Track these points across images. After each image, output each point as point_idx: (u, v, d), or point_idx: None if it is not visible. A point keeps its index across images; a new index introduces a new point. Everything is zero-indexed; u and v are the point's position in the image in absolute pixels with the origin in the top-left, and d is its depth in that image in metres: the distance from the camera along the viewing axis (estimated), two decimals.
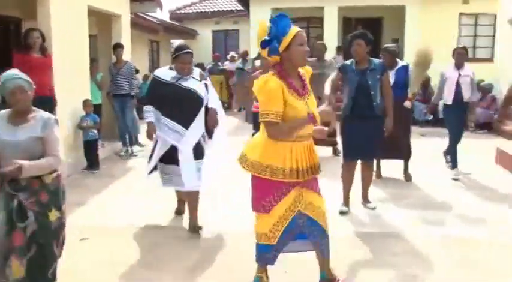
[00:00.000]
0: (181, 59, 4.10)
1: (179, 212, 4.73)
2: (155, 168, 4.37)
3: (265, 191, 2.90)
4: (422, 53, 5.82)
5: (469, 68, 6.19)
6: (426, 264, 3.64)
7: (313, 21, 15.22)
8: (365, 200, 4.99)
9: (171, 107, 4.11)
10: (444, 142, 6.84)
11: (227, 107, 14.68)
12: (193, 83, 4.17)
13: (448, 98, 6.16)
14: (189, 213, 4.34)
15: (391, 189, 5.67)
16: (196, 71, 4.28)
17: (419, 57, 5.80)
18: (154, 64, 15.35)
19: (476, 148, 8.21)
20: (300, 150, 2.87)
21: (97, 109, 7.30)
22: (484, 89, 10.48)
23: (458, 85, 6.03)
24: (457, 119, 6.18)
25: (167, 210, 4.74)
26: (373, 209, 4.90)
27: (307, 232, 2.97)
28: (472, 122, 9.95)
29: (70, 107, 6.55)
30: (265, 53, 2.80)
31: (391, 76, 5.59)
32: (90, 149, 6.69)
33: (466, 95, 6.07)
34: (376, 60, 4.71)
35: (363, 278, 3.42)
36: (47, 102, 5.91)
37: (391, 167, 6.18)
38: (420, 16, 12.91)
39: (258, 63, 9.48)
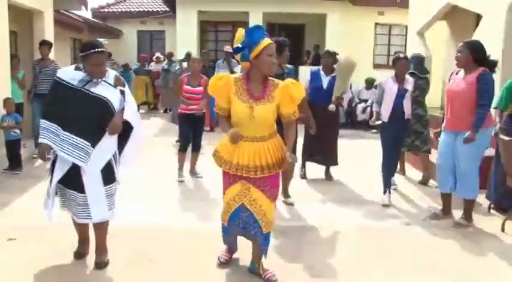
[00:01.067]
0: (92, 59, 3.33)
1: (81, 254, 3.70)
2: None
3: (223, 177, 3.39)
4: (344, 64, 6.10)
5: (411, 81, 5.48)
6: (340, 252, 4.01)
7: (238, 26, 15.09)
8: (285, 195, 5.35)
9: (75, 118, 3.33)
10: (361, 143, 7.38)
11: (153, 108, 14.62)
12: (105, 89, 3.41)
13: (385, 114, 5.37)
14: (96, 247, 3.64)
15: (312, 187, 6.07)
16: (111, 74, 3.52)
17: (342, 67, 6.09)
18: (76, 63, 14.89)
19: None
20: (249, 149, 3.17)
21: (18, 108, 7.05)
22: None
23: (398, 100, 5.28)
24: (394, 138, 5.35)
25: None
26: (292, 204, 5.26)
27: (248, 227, 3.31)
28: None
29: None
30: (238, 57, 3.17)
31: (326, 82, 6.11)
32: (12, 149, 6.48)
33: (407, 111, 5.38)
34: (289, 66, 5.28)
35: (282, 265, 3.70)
36: None
37: (313, 167, 6.58)
38: (340, 24, 13.64)
39: (185, 65, 9.58)
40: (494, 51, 7.28)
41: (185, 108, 6.08)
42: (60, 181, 3.42)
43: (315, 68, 6.40)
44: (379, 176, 5.62)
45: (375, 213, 5.10)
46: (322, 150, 6.31)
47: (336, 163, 6.46)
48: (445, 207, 4.89)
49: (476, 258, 3.94)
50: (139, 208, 4.98)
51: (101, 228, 3.59)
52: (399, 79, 5.39)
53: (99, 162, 3.40)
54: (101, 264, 3.56)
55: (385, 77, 5.60)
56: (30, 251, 3.84)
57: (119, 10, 17.76)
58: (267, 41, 3.09)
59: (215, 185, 5.32)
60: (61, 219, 4.35)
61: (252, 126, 3.15)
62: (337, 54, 6.34)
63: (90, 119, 3.35)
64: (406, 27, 12.11)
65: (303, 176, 6.46)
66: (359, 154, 7.99)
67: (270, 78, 3.22)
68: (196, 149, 6.41)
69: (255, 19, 13.82)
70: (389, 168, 5.49)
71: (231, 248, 3.65)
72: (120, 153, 3.62)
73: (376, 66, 14.59)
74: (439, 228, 4.61)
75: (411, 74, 6.18)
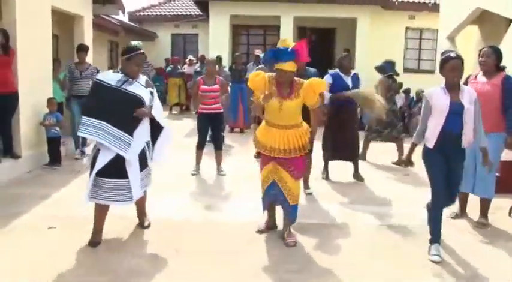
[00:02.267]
0: (136, 60, 3.93)
1: (96, 242, 4.02)
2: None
3: (262, 158, 4.31)
4: (364, 98, 6.21)
5: (469, 91, 3.98)
6: (359, 249, 4.17)
7: (269, 29, 15.77)
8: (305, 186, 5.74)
9: (115, 113, 3.82)
10: (388, 146, 7.48)
11: (185, 109, 14.99)
12: (139, 88, 3.95)
13: (431, 137, 3.92)
14: (139, 214, 4.47)
15: (336, 187, 6.23)
16: (143, 78, 4.09)
17: (363, 101, 6.22)
18: (113, 65, 15.44)
19: (417, 152, 8.88)
20: (277, 134, 4.03)
21: (59, 108, 7.48)
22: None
23: (450, 119, 3.82)
24: (445, 172, 3.94)
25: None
26: (310, 193, 5.67)
27: (278, 198, 4.20)
28: (414, 129, 10.78)
29: (33, 105, 6.73)
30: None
31: (349, 81, 6.31)
32: (53, 146, 6.89)
33: (467, 137, 3.90)
34: (311, 69, 5.64)
35: (307, 260, 3.90)
36: (10, 98, 6.13)
37: (335, 169, 6.73)
38: (370, 28, 13.71)
39: (216, 68, 9.79)
40: None
41: (204, 108, 6.48)
42: (100, 173, 3.83)
43: (332, 70, 6.64)
44: (407, 179, 5.68)
45: (397, 212, 5.22)
46: (347, 145, 6.41)
47: (357, 159, 6.64)
48: (462, 207, 5.00)
49: (494, 257, 4.03)
50: (160, 202, 5.24)
51: (142, 198, 4.27)
52: (451, 89, 3.88)
53: (137, 149, 3.94)
54: (143, 223, 4.44)
55: (429, 86, 4.45)
56: (69, 239, 4.15)
57: (154, 14, 18.22)
58: (280, 65, 3.93)
59: (234, 183, 6.16)
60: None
61: (280, 117, 4.00)
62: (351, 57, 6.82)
63: (127, 113, 3.84)
64: (437, 31, 12.10)
65: (326, 177, 6.61)
66: (386, 156, 8.06)
67: (296, 78, 4.03)
68: (218, 146, 6.68)
69: (286, 23, 14.04)
70: (437, 213, 4.03)
71: (269, 220, 4.45)
72: (153, 147, 4.18)
73: (407, 70, 14.55)
74: (458, 228, 4.72)
75: (389, 76, 7.46)
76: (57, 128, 6.92)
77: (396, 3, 14.32)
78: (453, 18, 10.49)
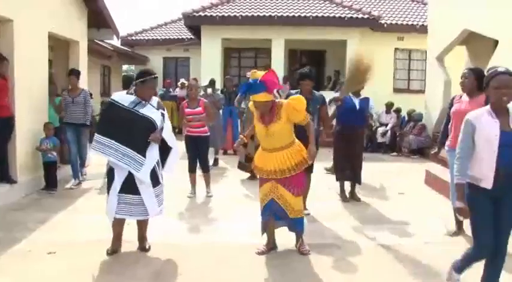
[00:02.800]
0: (150, 83, 4.16)
1: (114, 250, 4.33)
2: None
3: (259, 179, 4.46)
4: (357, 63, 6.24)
5: None
6: (359, 269, 4.20)
7: (261, 52, 15.98)
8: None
9: (127, 133, 4.04)
10: (381, 166, 7.56)
11: (178, 132, 15.03)
12: (151, 110, 4.16)
13: (484, 176, 3.12)
14: (139, 237, 4.47)
15: (338, 207, 6.27)
16: (154, 99, 4.28)
17: (355, 67, 6.21)
18: (105, 89, 15.51)
19: (409, 171, 9.03)
20: (271, 158, 4.21)
21: (56, 132, 7.46)
22: (416, 118, 11.49)
23: (505, 152, 3.06)
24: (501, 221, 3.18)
25: (130, 224, 5.03)
26: (308, 214, 5.57)
27: (280, 215, 4.35)
28: (406, 148, 10.92)
29: (30, 129, 6.74)
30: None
31: (358, 103, 6.44)
32: (49, 171, 6.87)
33: None
34: (317, 93, 5.73)
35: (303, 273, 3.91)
36: (5, 122, 6.14)
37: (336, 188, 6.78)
38: (360, 50, 13.90)
39: (210, 91, 9.88)
40: None
41: (189, 130, 6.54)
42: (120, 190, 4.10)
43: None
44: (402, 198, 5.74)
45: (395, 232, 5.26)
46: (352, 166, 6.50)
47: (360, 182, 6.65)
48: (459, 224, 5.07)
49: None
50: (158, 224, 5.24)
51: (145, 222, 4.40)
52: (500, 113, 3.14)
53: (148, 169, 4.12)
54: (144, 248, 4.41)
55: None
56: (69, 264, 4.13)
57: (146, 38, 18.41)
58: (254, 97, 4.11)
59: (222, 204, 6.14)
60: (98, 235, 4.68)
61: (269, 141, 4.20)
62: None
63: (139, 134, 4.07)
64: (426, 52, 12.33)
65: (343, 199, 6.56)
66: (380, 176, 8.14)
67: (277, 101, 4.24)
68: (205, 169, 6.70)
69: (278, 46, 14.25)
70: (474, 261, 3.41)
71: (269, 241, 4.47)
72: (163, 164, 4.40)
73: (396, 90, 14.81)
74: (457, 246, 4.75)
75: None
76: (54, 153, 6.92)
77: (385, 25, 14.62)
78: (441, 39, 10.72)
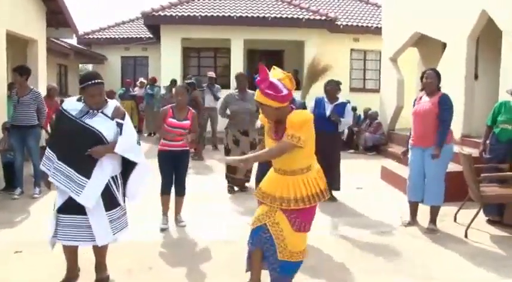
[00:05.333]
0: (90, 90, 3.42)
1: (71, 279, 3.68)
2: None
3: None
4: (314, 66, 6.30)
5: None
6: (318, 256, 4.45)
7: (220, 52, 16.08)
8: None
9: (70, 149, 3.41)
10: (351, 162, 7.82)
11: (137, 131, 14.94)
12: (101, 121, 3.46)
13: None
14: (96, 266, 3.75)
15: None
16: (111, 106, 3.56)
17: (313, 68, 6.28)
18: (62, 88, 15.21)
19: (366, 167, 9.42)
20: (278, 180, 3.21)
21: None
22: (372, 116, 11.93)
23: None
24: None
25: None
26: None
27: (265, 248, 3.21)
28: (362, 145, 11.32)
29: None
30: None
31: (329, 109, 6.29)
32: (8, 171, 6.77)
33: None
34: (297, 100, 5.79)
35: None
36: None
37: None
38: (317, 50, 14.27)
39: (174, 90, 9.87)
40: (457, 76, 8.00)
41: (166, 144, 5.29)
42: (60, 209, 3.45)
43: (320, 95, 6.60)
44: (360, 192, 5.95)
45: (354, 223, 5.55)
46: (326, 174, 6.37)
47: (338, 187, 6.55)
48: (413, 215, 5.42)
49: (445, 259, 4.41)
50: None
51: (103, 248, 3.65)
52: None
53: (95, 193, 3.41)
54: (102, 280, 3.70)
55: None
56: (36, 263, 4.15)
57: (104, 37, 18.15)
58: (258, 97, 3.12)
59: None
60: None
61: (279, 160, 3.17)
62: (341, 83, 6.66)
63: (82, 150, 3.37)
64: (380, 52, 12.82)
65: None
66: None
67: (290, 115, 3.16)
68: (180, 191, 5.44)
69: (237, 46, 14.41)
70: None
71: (252, 277, 3.37)
72: (124, 185, 3.68)
73: (352, 89, 15.26)
74: (411, 235, 5.11)
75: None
76: (12, 153, 6.79)
77: (341, 26, 15.04)
78: (394, 41, 11.21)
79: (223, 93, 9.47)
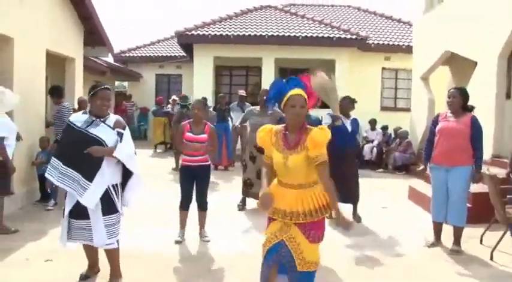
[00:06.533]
0: (100, 94, 3.88)
1: (86, 276, 4.17)
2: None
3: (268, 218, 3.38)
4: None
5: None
6: (340, 275, 4.45)
7: (251, 70, 16.31)
8: None
9: (74, 155, 3.78)
10: (367, 182, 7.81)
11: (170, 147, 15.26)
12: (103, 130, 3.87)
13: None
14: (110, 271, 4.08)
15: None
16: (113, 118, 3.98)
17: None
18: None
19: (394, 187, 9.37)
20: (290, 195, 3.18)
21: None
22: (402, 135, 11.83)
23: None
24: None
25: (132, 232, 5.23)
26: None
27: (285, 265, 3.20)
28: (391, 165, 11.22)
29: (26, 143, 6.93)
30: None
31: (349, 125, 6.36)
32: (44, 183, 7.04)
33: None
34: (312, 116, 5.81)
35: None
36: None
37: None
38: (348, 69, 14.32)
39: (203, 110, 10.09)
40: (488, 95, 7.89)
41: (187, 159, 5.39)
42: (71, 215, 3.87)
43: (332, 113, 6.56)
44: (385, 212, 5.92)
45: (378, 243, 5.54)
46: (346, 188, 6.18)
47: (357, 200, 6.53)
48: (437, 236, 5.37)
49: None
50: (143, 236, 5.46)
51: (110, 254, 4.00)
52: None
53: (96, 195, 3.77)
54: None
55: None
56: (66, 271, 4.34)
57: (139, 55, 18.75)
58: (293, 91, 3.15)
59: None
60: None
61: (288, 173, 3.19)
62: (355, 101, 6.66)
63: (86, 156, 3.73)
64: (412, 71, 12.75)
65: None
66: (365, 191, 8.41)
67: (309, 127, 3.23)
68: (202, 206, 5.52)
69: (268, 64, 14.57)
70: None
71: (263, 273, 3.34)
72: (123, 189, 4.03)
73: (383, 108, 15.21)
74: (435, 256, 5.04)
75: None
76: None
77: (372, 45, 15.07)
78: (425, 60, 11.14)
79: None
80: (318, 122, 5.71)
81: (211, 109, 10.80)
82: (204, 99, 10.78)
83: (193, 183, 5.42)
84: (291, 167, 3.15)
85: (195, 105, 5.50)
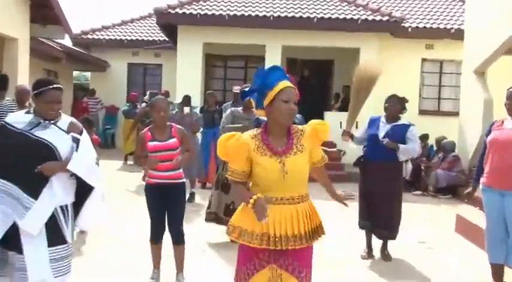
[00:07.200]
0: (48, 96, 3.67)
1: None
2: None
3: (240, 263, 3.27)
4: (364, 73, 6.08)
5: None
6: None
7: (252, 61, 16.20)
8: None
9: (15, 165, 3.59)
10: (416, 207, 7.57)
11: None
12: (54, 134, 3.69)
13: None
14: None
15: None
16: (66, 119, 3.82)
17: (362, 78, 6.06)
18: None
19: (436, 215, 9.17)
20: (280, 214, 3.12)
21: None
22: (447, 148, 11.62)
23: None
24: None
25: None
26: None
27: None
28: (433, 186, 11.01)
29: None
30: (252, 104, 3.28)
31: (383, 131, 6.11)
32: None
33: None
34: (298, 116, 5.63)
35: None
36: None
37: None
38: (377, 60, 14.06)
39: (187, 110, 9.90)
40: None
41: (154, 175, 5.22)
42: (1, 241, 3.59)
43: (375, 115, 6.55)
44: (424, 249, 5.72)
45: None
46: (378, 216, 6.19)
47: (394, 236, 6.31)
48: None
49: None
50: None
51: None
52: None
53: (41, 217, 3.56)
54: None
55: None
56: None
57: (106, 38, 18.58)
58: (283, 83, 3.16)
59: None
60: None
61: (285, 185, 3.14)
62: (407, 101, 6.45)
63: (31, 165, 3.52)
64: (462, 63, 12.53)
65: (367, 255, 6.36)
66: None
67: (295, 126, 3.30)
68: (177, 238, 5.29)
69: (273, 53, 14.40)
70: None
71: None
72: (76, 213, 3.83)
73: (423, 112, 15.04)
74: None
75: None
76: None
77: (410, 29, 14.88)
78: (481, 48, 10.87)
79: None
80: (302, 122, 5.59)
81: (196, 110, 10.55)
82: (187, 97, 10.70)
83: (165, 206, 5.24)
84: (291, 174, 3.13)
85: (160, 105, 5.24)
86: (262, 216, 2.98)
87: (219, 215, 6.95)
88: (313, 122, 3.36)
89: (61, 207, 3.69)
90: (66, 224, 3.73)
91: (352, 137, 6.29)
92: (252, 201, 3.02)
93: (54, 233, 3.63)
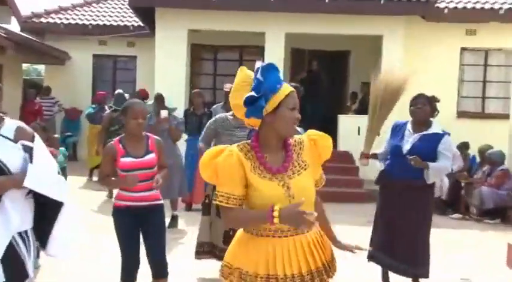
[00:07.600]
0: None
1: None
2: None
3: None
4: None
5: None
6: None
7: (249, 52, 16.22)
8: None
9: None
10: (436, 234, 7.53)
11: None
12: None
13: None
14: None
15: None
16: (11, 124, 3.71)
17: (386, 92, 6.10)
18: None
19: (481, 244, 9.16)
20: (288, 249, 3.08)
21: None
22: (493, 159, 11.61)
23: None
24: None
25: None
26: None
27: None
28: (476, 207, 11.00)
29: None
30: (241, 112, 3.10)
31: (410, 142, 5.99)
32: None
33: None
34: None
35: None
36: None
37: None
38: (404, 50, 14.11)
39: (164, 113, 9.74)
40: None
41: (125, 197, 5.21)
42: None
43: (401, 121, 6.38)
44: None
45: None
46: (397, 247, 6.06)
47: (427, 274, 6.17)
48: None
49: None
50: None
51: None
52: None
53: None
54: None
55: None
56: None
57: (65, 22, 18.44)
58: (287, 87, 3.11)
59: None
60: None
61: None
62: (437, 100, 6.31)
63: None
64: None
65: None
66: (433, 250, 8.17)
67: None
68: (159, 271, 5.29)
69: (275, 43, 14.41)
70: None
71: None
72: (43, 238, 3.76)
73: (462, 114, 15.07)
74: None
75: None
76: None
77: (446, 10, 14.82)
78: None
79: None
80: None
81: (177, 113, 10.50)
82: (160, 96, 10.63)
83: (139, 234, 5.22)
84: (299, 198, 3.02)
85: (136, 110, 5.22)
86: (308, 223, 2.92)
87: (216, 246, 6.62)
88: (312, 133, 3.33)
89: (19, 234, 3.59)
90: (28, 254, 3.64)
91: (374, 156, 6.25)
92: (276, 214, 2.91)
93: (13, 269, 3.54)
